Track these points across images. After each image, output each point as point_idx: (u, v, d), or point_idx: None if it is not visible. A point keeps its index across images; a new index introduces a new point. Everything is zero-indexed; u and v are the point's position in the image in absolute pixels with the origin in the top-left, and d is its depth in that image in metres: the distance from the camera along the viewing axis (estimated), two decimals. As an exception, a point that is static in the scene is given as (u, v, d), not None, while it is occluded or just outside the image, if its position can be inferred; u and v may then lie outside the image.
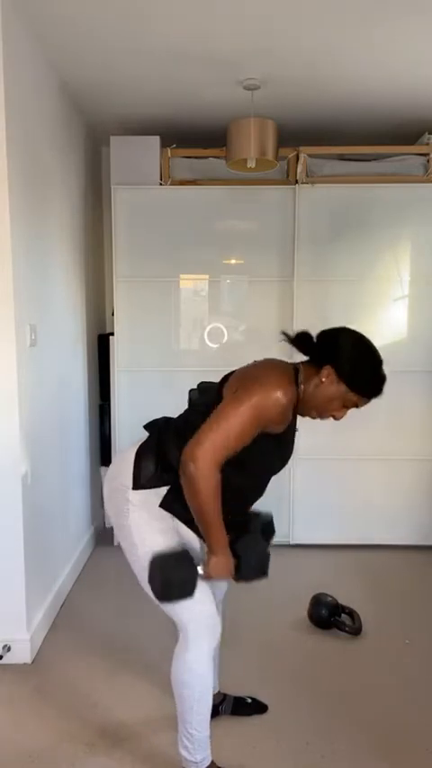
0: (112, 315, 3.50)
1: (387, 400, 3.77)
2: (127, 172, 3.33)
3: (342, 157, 3.40)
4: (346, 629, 2.57)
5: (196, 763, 1.69)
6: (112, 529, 3.59)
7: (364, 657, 2.41)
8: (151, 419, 1.82)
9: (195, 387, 1.83)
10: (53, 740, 1.95)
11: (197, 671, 1.65)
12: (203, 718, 1.68)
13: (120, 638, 2.54)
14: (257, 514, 1.81)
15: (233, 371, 1.72)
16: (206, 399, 1.67)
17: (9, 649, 2.33)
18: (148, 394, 3.49)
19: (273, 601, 2.81)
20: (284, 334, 1.72)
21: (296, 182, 3.32)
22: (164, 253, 3.41)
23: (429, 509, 3.53)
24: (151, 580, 1.58)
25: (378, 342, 3.65)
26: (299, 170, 3.30)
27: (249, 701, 2.09)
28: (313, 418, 1.73)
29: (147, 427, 1.79)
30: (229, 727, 1.97)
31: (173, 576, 1.57)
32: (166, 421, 1.79)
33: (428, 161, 3.31)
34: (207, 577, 1.60)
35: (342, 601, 2.68)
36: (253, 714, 2.05)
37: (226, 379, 1.70)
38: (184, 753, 1.70)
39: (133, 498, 1.65)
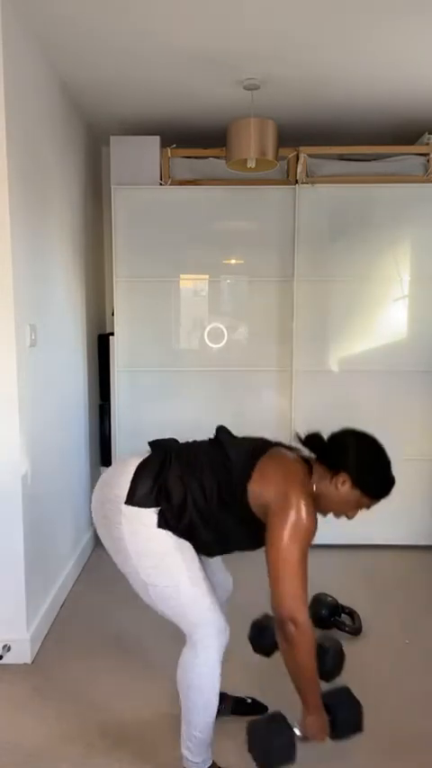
0: (112, 315, 3.50)
1: (387, 400, 3.79)
2: (127, 172, 3.33)
3: (342, 157, 3.40)
4: (346, 629, 2.57)
5: (197, 763, 1.70)
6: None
7: (364, 657, 2.41)
8: (158, 437, 1.85)
9: (223, 429, 1.90)
10: (53, 740, 1.95)
11: (207, 675, 1.65)
12: (209, 721, 1.68)
13: (120, 638, 2.54)
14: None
15: (260, 447, 1.76)
16: (233, 463, 1.70)
17: (9, 649, 2.33)
18: (148, 394, 3.49)
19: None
20: (297, 437, 1.79)
21: (296, 182, 3.32)
22: (164, 253, 3.40)
23: (429, 509, 3.53)
24: (250, 749, 1.59)
25: (378, 342, 3.67)
26: (299, 170, 3.30)
27: (249, 701, 2.09)
28: (324, 515, 1.75)
29: (152, 445, 1.81)
30: (229, 727, 1.97)
31: (272, 745, 1.56)
32: (173, 446, 1.81)
33: (428, 161, 3.31)
34: (305, 739, 1.59)
35: (342, 601, 2.68)
36: (253, 714, 2.05)
37: (256, 455, 1.71)
38: (186, 753, 1.71)
39: (126, 511, 1.66)
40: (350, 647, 2.47)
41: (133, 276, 3.41)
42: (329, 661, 1.95)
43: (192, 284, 3.52)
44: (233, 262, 3.48)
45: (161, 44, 2.48)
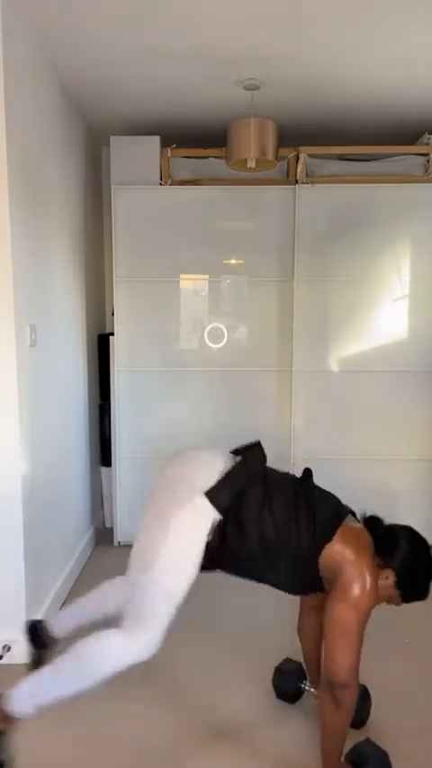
0: (112, 315, 3.50)
1: (387, 400, 3.79)
2: (127, 172, 3.33)
3: (342, 157, 3.40)
4: (347, 629, 2.56)
5: (14, 704, 1.66)
6: (111, 528, 3.61)
7: (365, 657, 2.40)
8: (246, 443, 1.92)
9: (309, 474, 1.92)
10: (52, 740, 1.95)
11: (113, 664, 1.64)
12: (67, 692, 1.65)
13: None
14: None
15: (344, 513, 1.81)
16: (319, 520, 1.72)
17: (9, 649, 2.33)
18: (148, 394, 3.49)
19: (272, 601, 2.81)
20: (364, 518, 1.85)
21: (296, 182, 3.32)
22: (164, 253, 3.41)
23: (429, 509, 3.52)
24: None
25: (378, 342, 3.66)
26: (299, 170, 3.30)
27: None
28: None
29: (243, 455, 1.85)
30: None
31: None
32: (261, 467, 1.88)
33: (428, 161, 3.31)
34: None
35: (342, 601, 2.68)
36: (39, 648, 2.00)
37: (339, 515, 1.77)
38: (16, 693, 1.67)
39: (197, 503, 1.66)
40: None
41: (133, 276, 3.41)
42: (356, 707, 1.96)
43: (192, 284, 3.52)
44: (233, 262, 3.48)
45: (161, 44, 2.48)
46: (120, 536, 3.54)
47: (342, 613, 1.62)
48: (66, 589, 2.92)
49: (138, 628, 1.65)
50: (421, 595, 1.76)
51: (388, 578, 1.71)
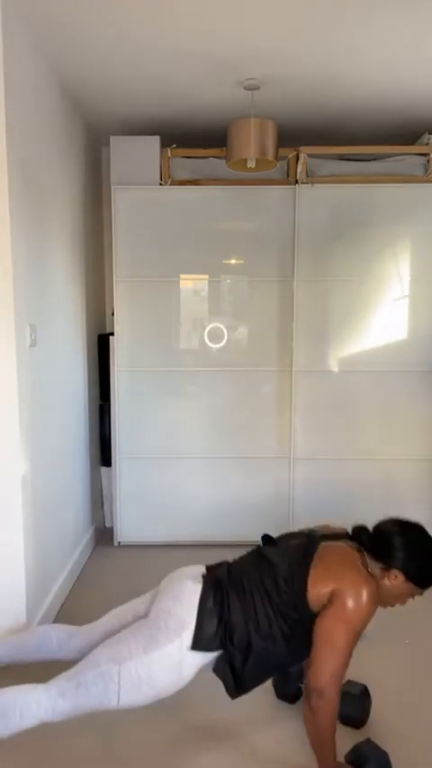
0: (112, 315, 3.50)
1: (387, 400, 3.79)
2: (127, 172, 3.34)
3: (342, 157, 3.40)
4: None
5: None
6: (111, 529, 3.61)
7: (365, 657, 2.41)
8: (213, 564, 1.91)
9: (267, 539, 1.94)
10: (53, 740, 1.94)
11: (29, 718, 1.65)
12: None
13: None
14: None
15: (310, 546, 1.79)
16: (285, 575, 1.74)
17: (9, 649, 2.33)
18: (148, 394, 3.49)
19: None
20: (347, 533, 1.86)
21: (296, 182, 3.32)
22: (164, 253, 3.41)
23: (429, 509, 3.52)
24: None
25: (378, 342, 3.66)
26: (299, 170, 3.30)
27: None
28: (384, 607, 1.81)
29: (208, 574, 1.85)
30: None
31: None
32: (226, 577, 1.83)
33: (428, 161, 3.31)
34: None
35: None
36: None
37: (307, 560, 1.75)
38: None
39: (185, 641, 1.69)
40: (350, 647, 2.48)
41: (133, 276, 3.41)
42: (356, 707, 1.97)
43: (192, 284, 3.52)
44: (233, 262, 3.48)
45: (161, 44, 2.48)
46: (120, 536, 3.54)
47: (331, 630, 1.63)
48: (66, 589, 2.92)
49: (68, 697, 1.67)
50: None
51: (397, 577, 1.71)
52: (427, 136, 3.34)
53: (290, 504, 3.52)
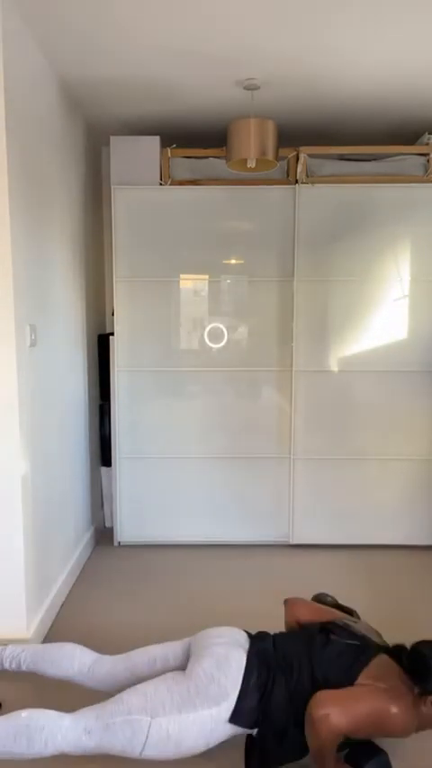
0: (112, 315, 3.50)
1: (387, 400, 3.78)
2: (127, 172, 3.34)
3: (342, 157, 3.40)
4: (347, 629, 2.56)
5: None
6: (111, 528, 3.61)
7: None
8: (258, 632, 1.91)
9: (325, 635, 1.89)
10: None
11: (52, 747, 1.64)
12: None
13: (119, 638, 2.54)
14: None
15: (369, 649, 1.82)
16: (339, 675, 1.73)
17: (9, 649, 2.33)
18: (148, 394, 3.49)
19: (273, 601, 2.81)
20: (395, 649, 1.84)
21: (296, 182, 3.32)
22: (164, 253, 3.41)
23: (429, 509, 3.53)
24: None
25: (378, 342, 3.66)
26: (299, 170, 3.30)
27: None
28: (419, 731, 1.77)
29: (253, 640, 1.85)
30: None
31: None
32: (272, 654, 1.82)
33: (428, 161, 3.31)
34: None
35: (342, 600, 2.68)
36: None
37: (360, 665, 1.75)
38: None
39: (224, 711, 1.68)
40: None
41: (133, 276, 3.42)
42: None
43: (192, 284, 3.52)
44: (233, 262, 3.48)
45: (161, 44, 2.48)
46: (120, 536, 3.54)
47: (367, 696, 1.64)
48: (66, 589, 2.92)
49: (95, 736, 1.66)
50: None
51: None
52: (427, 136, 3.34)
53: (290, 504, 3.52)
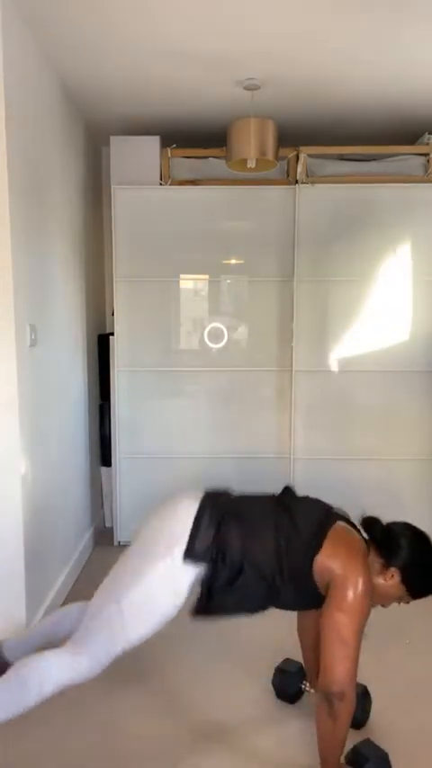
0: (112, 315, 3.50)
1: (387, 400, 3.78)
2: (127, 172, 3.34)
3: (342, 157, 3.40)
4: (346, 629, 2.56)
5: None
6: (111, 528, 3.61)
7: (365, 657, 2.40)
8: (215, 488, 1.89)
9: (289, 491, 1.93)
10: (52, 740, 1.95)
11: (45, 688, 1.63)
12: (15, 714, 1.66)
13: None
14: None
15: (330, 520, 1.80)
16: (302, 535, 1.73)
17: (9, 649, 2.33)
18: (148, 394, 3.49)
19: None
20: (362, 520, 1.83)
21: (296, 182, 3.32)
22: (164, 253, 3.41)
23: (429, 509, 3.52)
24: None
25: (378, 342, 3.66)
26: (299, 170, 3.30)
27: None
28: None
29: (209, 497, 1.83)
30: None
31: None
32: (232, 503, 1.84)
33: (428, 161, 3.31)
34: None
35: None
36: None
37: (325, 525, 1.75)
38: None
39: (177, 557, 1.67)
40: (350, 647, 2.48)
41: (133, 276, 3.41)
42: (356, 707, 1.96)
43: (192, 284, 3.52)
44: (233, 262, 3.48)
45: (161, 44, 2.48)
46: (120, 536, 3.54)
47: (337, 622, 1.61)
48: (66, 589, 2.92)
49: (83, 652, 1.66)
50: (429, 589, 1.76)
51: (393, 577, 1.71)
52: (427, 136, 3.34)
53: (290, 504, 3.52)
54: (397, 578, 1.71)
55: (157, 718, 2.04)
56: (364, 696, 2.02)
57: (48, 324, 2.65)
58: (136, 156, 3.32)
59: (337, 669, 1.60)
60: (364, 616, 1.65)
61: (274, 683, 2.16)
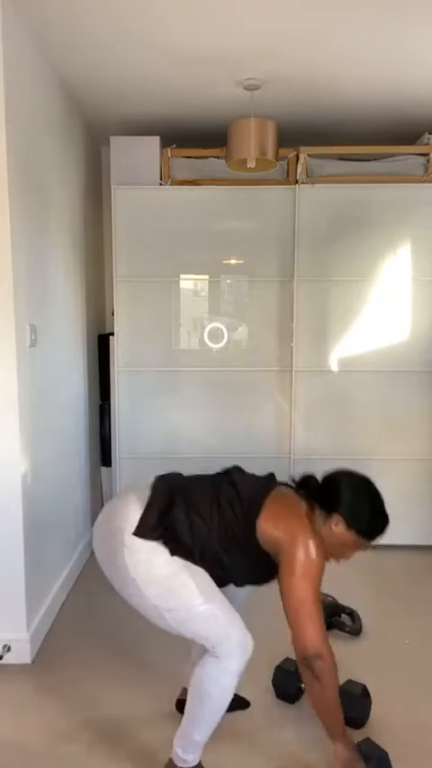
0: (112, 315, 3.50)
1: (387, 400, 3.79)
2: (127, 172, 3.34)
3: (342, 157, 3.40)
4: (347, 629, 2.56)
5: (185, 761, 1.71)
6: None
7: (364, 657, 2.41)
8: (163, 473, 1.87)
9: (235, 468, 1.89)
10: (53, 740, 1.95)
11: (226, 686, 1.65)
12: (212, 726, 1.69)
13: (119, 638, 2.54)
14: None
15: (266, 488, 1.78)
16: (244, 503, 1.72)
17: (9, 649, 2.33)
18: (148, 394, 3.49)
19: (273, 600, 2.81)
20: (292, 479, 1.84)
21: (296, 182, 3.32)
22: (164, 253, 3.41)
23: (429, 509, 3.52)
24: None
25: (378, 342, 3.67)
26: (299, 170, 3.30)
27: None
28: (327, 560, 1.77)
29: (157, 481, 1.83)
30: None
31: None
32: (178, 482, 1.83)
33: (428, 161, 3.31)
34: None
35: (342, 601, 2.68)
36: (235, 710, 2.05)
37: (263, 497, 1.73)
38: (178, 750, 1.71)
39: (130, 543, 1.67)
40: (350, 648, 2.49)
41: (133, 276, 3.41)
42: (356, 707, 1.97)
43: (192, 284, 3.52)
44: (233, 262, 3.48)
45: (161, 44, 2.48)
46: (120, 536, 3.54)
47: (293, 587, 1.60)
48: (66, 589, 2.92)
49: (212, 649, 1.66)
50: (377, 524, 1.72)
51: (339, 523, 1.69)
52: (427, 136, 3.34)
53: (290, 504, 3.52)
54: (342, 523, 1.69)
55: (158, 717, 2.04)
56: (363, 696, 2.02)
57: (48, 324, 2.65)
58: (136, 156, 3.32)
59: (305, 633, 1.59)
60: (318, 574, 1.62)
61: (274, 682, 2.16)
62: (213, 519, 1.70)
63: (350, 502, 1.71)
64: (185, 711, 1.71)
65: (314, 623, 1.59)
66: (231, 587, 1.87)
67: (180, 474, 1.90)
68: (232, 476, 1.83)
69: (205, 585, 1.67)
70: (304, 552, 1.61)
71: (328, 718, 1.67)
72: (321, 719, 1.68)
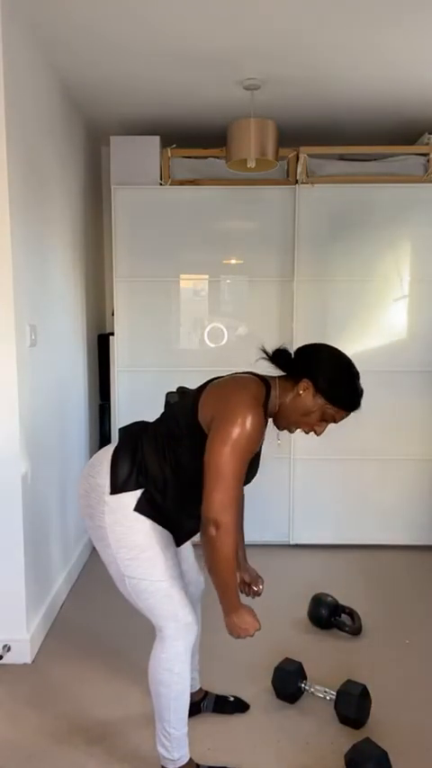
0: (112, 315, 3.50)
1: (387, 400, 3.79)
2: (127, 172, 3.34)
3: (342, 157, 3.40)
4: (346, 629, 2.57)
5: (173, 760, 1.70)
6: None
7: (364, 657, 2.41)
8: (131, 422, 1.89)
9: (174, 390, 1.89)
10: (52, 740, 1.95)
11: (174, 670, 1.66)
12: (181, 716, 1.69)
13: (119, 639, 2.54)
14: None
15: (211, 381, 1.77)
16: (182, 406, 1.74)
17: (9, 649, 2.33)
18: (148, 394, 3.48)
19: (273, 601, 2.81)
20: (263, 351, 1.78)
21: (296, 182, 3.32)
22: (164, 253, 3.41)
23: (429, 509, 3.52)
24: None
25: (378, 342, 3.66)
26: (299, 170, 3.30)
27: (231, 699, 2.10)
28: (291, 432, 1.74)
29: (122, 431, 1.84)
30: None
31: None
32: (142, 426, 1.85)
33: (428, 161, 3.31)
34: (237, 636, 1.62)
35: (342, 601, 2.68)
36: (234, 712, 2.06)
37: (203, 388, 1.73)
38: (162, 750, 1.71)
39: (109, 500, 1.66)
40: (350, 647, 2.49)
41: (133, 276, 3.41)
42: (356, 707, 1.97)
43: (192, 284, 3.52)
44: (233, 262, 3.48)
45: (161, 44, 2.48)
46: (120, 536, 3.54)
47: (214, 453, 1.53)
48: (66, 589, 2.92)
49: (159, 629, 1.67)
50: (349, 393, 1.67)
51: (307, 388, 1.64)
52: (427, 136, 3.34)
53: (290, 503, 3.52)
54: (311, 388, 1.64)
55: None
56: (363, 696, 2.02)
57: (48, 324, 2.65)
58: (136, 156, 3.32)
59: (213, 497, 1.52)
60: (247, 446, 1.55)
61: (274, 682, 2.16)
62: (170, 438, 1.69)
63: (323, 368, 1.68)
64: (154, 711, 1.70)
65: (224, 491, 1.52)
66: (190, 573, 1.89)
67: (144, 421, 1.90)
68: (176, 393, 1.85)
69: (171, 565, 1.67)
70: (238, 424, 1.54)
71: (217, 588, 1.60)
72: (214, 585, 1.60)
